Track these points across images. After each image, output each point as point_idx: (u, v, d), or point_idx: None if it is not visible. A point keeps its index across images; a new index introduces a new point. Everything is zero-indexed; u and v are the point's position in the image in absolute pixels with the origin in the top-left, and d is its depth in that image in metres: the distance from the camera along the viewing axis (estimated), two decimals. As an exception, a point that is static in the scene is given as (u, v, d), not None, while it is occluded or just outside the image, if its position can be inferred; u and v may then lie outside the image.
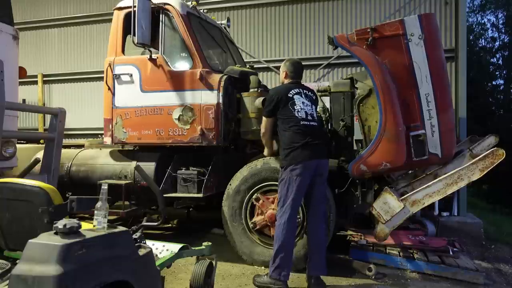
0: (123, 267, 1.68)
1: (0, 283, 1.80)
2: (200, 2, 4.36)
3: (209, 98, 3.82)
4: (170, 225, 5.52)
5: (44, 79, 7.93)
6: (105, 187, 1.78)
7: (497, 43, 15.84)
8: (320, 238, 3.28)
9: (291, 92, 3.32)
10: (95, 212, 1.69)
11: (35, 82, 7.86)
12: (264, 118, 3.44)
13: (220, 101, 3.80)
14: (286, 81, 3.50)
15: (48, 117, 5.87)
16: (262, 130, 3.49)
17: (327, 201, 3.48)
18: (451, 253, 3.85)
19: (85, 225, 1.65)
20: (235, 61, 4.81)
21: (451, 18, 5.98)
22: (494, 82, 15.54)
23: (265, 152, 3.73)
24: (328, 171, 3.53)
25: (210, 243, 2.80)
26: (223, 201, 3.81)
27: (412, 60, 3.37)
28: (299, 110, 3.26)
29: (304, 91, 3.42)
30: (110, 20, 4.40)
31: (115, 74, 4.10)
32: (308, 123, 3.26)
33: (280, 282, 3.09)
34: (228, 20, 5.15)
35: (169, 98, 3.93)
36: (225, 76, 3.91)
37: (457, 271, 3.49)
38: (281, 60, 4.19)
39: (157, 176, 3.89)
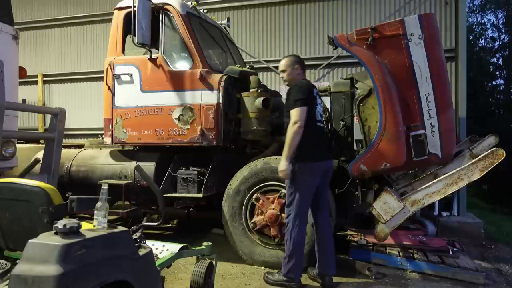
0: (123, 267, 1.68)
1: (0, 283, 1.79)
2: (200, 2, 4.36)
3: (209, 98, 3.82)
4: (170, 225, 5.51)
5: (44, 79, 7.94)
6: (105, 187, 1.78)
7: (497, 43, 15.86)
8: (330, 237, 3.29)
9: (314, 90, 3.26)
10: (95, 212, 1.69)
11: (35, 82, 7.86)
12: (297, 109, 2.99)
13: (220, 101, 3.80)
14: (299, 78, 3.28)
15: (48, 117, 5.87)
16: (299, 123, 2.96)
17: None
18: (451, 253, 3.85)
19: (85, 225, 1.65)
20: (235, 61, 4.81)
21: (451, 18, 5.98)
22: (494, 82, 15.56)
23: (285, 151, 3.00)
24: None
25: (210, 243, 2.80)
26: (223, 201, 3.80)
27: (412, 60, 3.37)
28: (316, 111, 3.23)
29: (316, 90, 3.36)
30: (110, 20, 4.41)
31: (115, 74, 4.10)
32: (321, 124, 3.27)
33: (294, 279, 3.12)
34: (228, 20, 5.15)
35: (169, 98, 3.93)
36: (225, 76, 3.90)
37: (457, 271, 3.49)
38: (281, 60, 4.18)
39: (157, 176, 3.89)
